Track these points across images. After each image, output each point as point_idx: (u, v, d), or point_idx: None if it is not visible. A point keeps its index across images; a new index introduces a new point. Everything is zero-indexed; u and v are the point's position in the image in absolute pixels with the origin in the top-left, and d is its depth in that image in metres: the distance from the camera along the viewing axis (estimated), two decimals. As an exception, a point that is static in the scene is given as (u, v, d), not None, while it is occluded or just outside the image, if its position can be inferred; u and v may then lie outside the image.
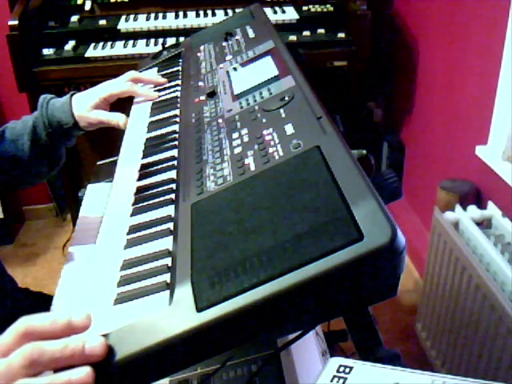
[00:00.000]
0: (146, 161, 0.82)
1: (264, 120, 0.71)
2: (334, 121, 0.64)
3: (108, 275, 0.59)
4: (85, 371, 0.44)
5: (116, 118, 0.99)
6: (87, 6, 2.05)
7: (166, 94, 1.04)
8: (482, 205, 1.65)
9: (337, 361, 0.48)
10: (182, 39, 1.89)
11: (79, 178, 2.27)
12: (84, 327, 0.46)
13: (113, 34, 1.99)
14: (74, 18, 2.01)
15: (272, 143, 0.64)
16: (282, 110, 0.71)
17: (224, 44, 1.09)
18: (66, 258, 0.88)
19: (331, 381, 0.46)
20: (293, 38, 1.95)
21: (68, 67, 1.90)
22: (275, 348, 0.69)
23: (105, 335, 0.47)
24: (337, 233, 0.46)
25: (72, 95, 1.03)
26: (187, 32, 1.87)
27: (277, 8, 2.08)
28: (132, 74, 1.06)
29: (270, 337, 0.61)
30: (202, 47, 1.15)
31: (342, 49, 1.97)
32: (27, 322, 0.46)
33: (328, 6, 2.08)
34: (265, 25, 1.10)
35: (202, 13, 2.07)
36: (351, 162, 0.54)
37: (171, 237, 0.61)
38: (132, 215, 0.69)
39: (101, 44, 1.96)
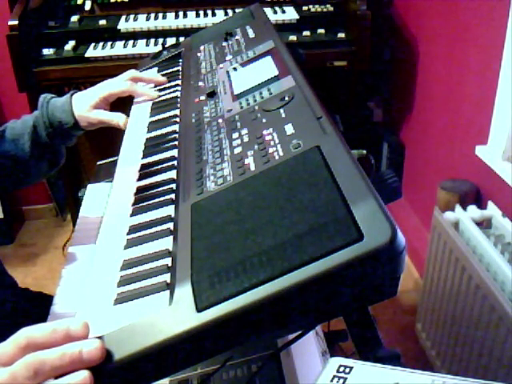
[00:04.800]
0: (146, 161, 0.82)
1: (264, 120, 0.71)
2: (333, 121, 0.64)
3: (108, 275, 0.59)
4: (82, 375, 0.44)
5: (116, 118, 0.99)
6: (87, 6, 2.05)
7: (165, 94, 1.04)
8: (482, 205, 1.65)
9: (337, 361, 0.48)
10: (182, 39, 1.89)
11: (79, 178, 2.27)
12: (82, 335, 0.47)
13: (113, 34, 1.98)
14: (74, 18, 2.01)
15: (272, 143, 0.64)
16: (282, 110, 0.71)
17: (224, 44, 1.09)
18: (66, 258, 0.88)
19: (331, 381, 0.46)
20: (293, 38, 1.95)
21: (68, 67, 1.90)
22: (275, 348, 0.69)
23: (105, 335, 0.48)
24: (337, 233, 0.46)
25: (72, 95, 1.03)
26: (187, 32, 1.87)
27: (277, 8, 2.08)
28: (132, 73, 1.06)
29: (270, 337, 0.61)
30: (202, 47, 1.15)
31: (341, 49, 1.97)
32: (27, 333, 0.46)
33: (328, 6, 2.08)
34: (265, 25, 1.10)
35: (202, 13, 2.07)
36: (351, 162, 0.54)
37: (171, 237, 0.61)
38: (132, 215, 0.69)
39: (101, 44, 1.96)
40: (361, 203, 0.47)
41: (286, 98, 0.73)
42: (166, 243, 0.60)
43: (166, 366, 0.48)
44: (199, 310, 0.46)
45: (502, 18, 1.46)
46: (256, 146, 0.66)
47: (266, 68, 0.87)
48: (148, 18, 2.04)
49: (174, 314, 0.48)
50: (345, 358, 0.49)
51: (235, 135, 0.71)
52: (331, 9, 2.07)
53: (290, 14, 2.04)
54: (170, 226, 0.63)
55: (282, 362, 0.68)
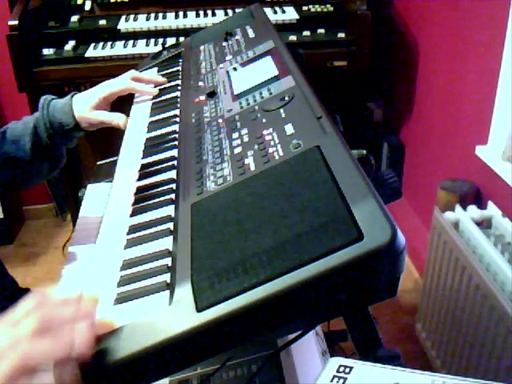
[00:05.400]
0: (146, 161, 0.82)
1: (264, 120, 0.71)
2: (334, 121, 0.65)
3: (108, 275, 0.59)
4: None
5: (116, 119, 1.00)
6: (87, 6, 2.05)
7: (165, 94, 1.04)
8: (482, 205, 1.65)
9: (337, 361, 0.48)
10: (182, 39, 1.89)
11: (79, 178, 2.27)
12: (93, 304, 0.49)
13: (113, 34, 1.98)
14: (74, 18, 2.01)
15: (272, 143, 0.64)
16: (281, 110, 0.71)
17: (224, 44, 1.09)
18: (66, 258, 0.88)
19: (331, 381, 0.46)
20: (293, 38, 1.95)
21: (68, 67, 1.90)
22: (275, 348, 0.69)
23: (105, 335, 0.48)
24: (337, 233, 0.46)
25: (72, 96, 1.03)
26: (187, 32, 1.87)
27: (277, 8, 2.08)
28: (132, 73, 1.06)
29: (270, 337, 0.61)
30: (202, 47, 1.15)
31: (341, 49, 1.97)
32: (41, 294, 0.48)
33: (328, 5, 2.08)
34: (265, 25, 1.10)
35: (201, 13, 2.07)
36: (351, 162, 0.54)
37: (171, 237, 0.61)
38: (132, 215, 0.69)
39: (101, 44, 1.96)
40: (361, 203, 0.47)
41: (286, 98, 0.73)
42: (166, 243, 0.60)
43: (166, 366, 0.48)
44: (199, 310, 0.46)
45: (502, 18, 1.46)
46: (256, 146, 0.66)
47: (266, 68, 0.87)
48: (148, 18, 2.04)
49: (174, 314, 0.48)
50: (345, 358, 0.49)
51: (235, 135, 0.71)
52: (331, 9, 2.08)
53: (290, 14, 2.04)
54: (170, 225, 0.63)
55: (282, 362, 0.69)
